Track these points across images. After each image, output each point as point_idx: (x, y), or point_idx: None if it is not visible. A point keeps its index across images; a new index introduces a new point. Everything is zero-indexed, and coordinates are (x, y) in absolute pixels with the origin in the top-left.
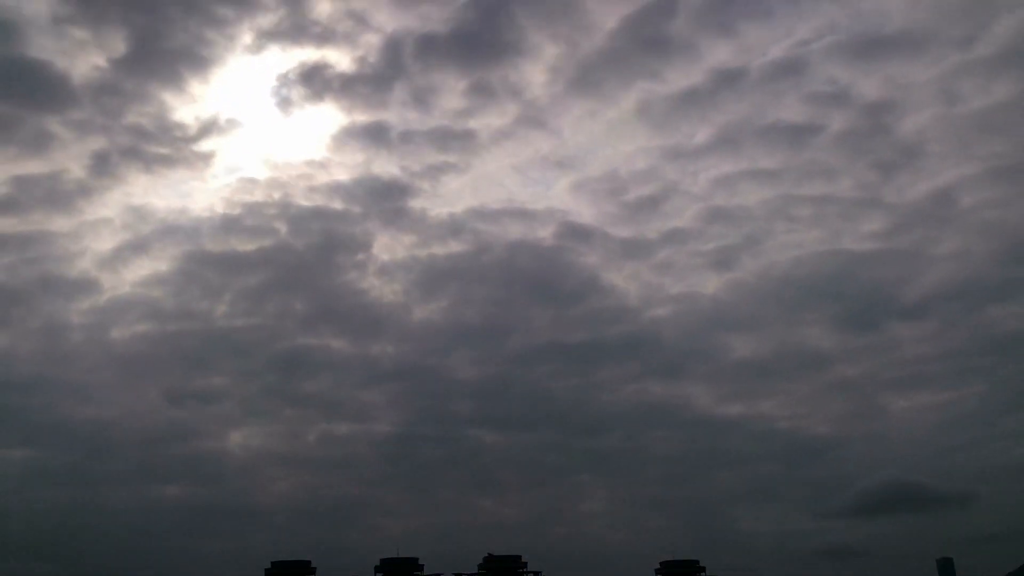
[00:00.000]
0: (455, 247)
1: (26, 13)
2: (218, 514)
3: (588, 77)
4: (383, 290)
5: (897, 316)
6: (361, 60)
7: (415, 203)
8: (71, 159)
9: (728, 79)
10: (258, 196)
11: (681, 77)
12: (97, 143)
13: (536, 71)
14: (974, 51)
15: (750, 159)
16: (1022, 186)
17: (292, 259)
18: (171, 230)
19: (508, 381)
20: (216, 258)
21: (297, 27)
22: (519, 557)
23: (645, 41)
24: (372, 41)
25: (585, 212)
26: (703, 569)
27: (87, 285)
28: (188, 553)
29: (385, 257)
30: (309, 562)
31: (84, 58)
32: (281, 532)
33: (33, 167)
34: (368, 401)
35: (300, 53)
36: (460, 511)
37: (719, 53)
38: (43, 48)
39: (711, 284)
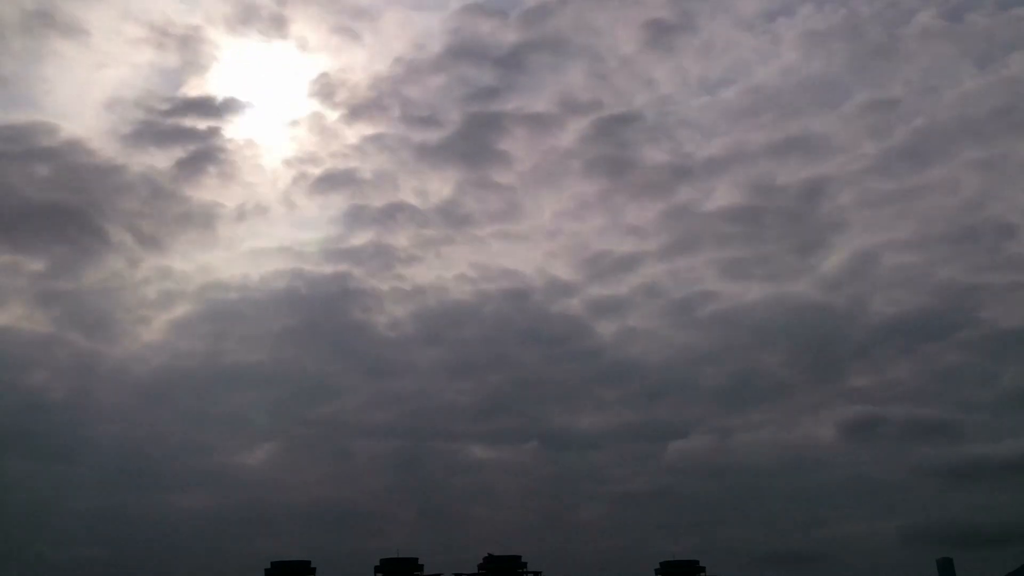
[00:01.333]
0: (455, 299)
1: (100, 128)
2: (233, 520)
3: (559, 175)
4: (391, 334)
5: (843, 353)
6: (376, 170)
7: (420, 267)
8: (121, 237)
9: (674, 173)
10: (280, 264)
11: (634, 173)
12: (145, 227)
13: (516, 173)
14: (880, 153)
15: (697, 234)
16: (932, 254)
17: (310, 310)
18: (203, 288)
19: (503, 405)
20: (241, 310)
21: (325, 150)
22: (519, 557)
23: (602, 149)
24: (388, 154)
25: (565, 273)
26: (703, 569)
27: (122, 331)
28: (198, 554)
29: (394, 310)
30: (308, 562)
31: (143, 163)
32: (289, 537)
33: (88, 243)
34: (375, 421)
35: (325, 166)
36: (460, 517)
37: (664, 155)
38: (109, 158)
39: (676, 326)
